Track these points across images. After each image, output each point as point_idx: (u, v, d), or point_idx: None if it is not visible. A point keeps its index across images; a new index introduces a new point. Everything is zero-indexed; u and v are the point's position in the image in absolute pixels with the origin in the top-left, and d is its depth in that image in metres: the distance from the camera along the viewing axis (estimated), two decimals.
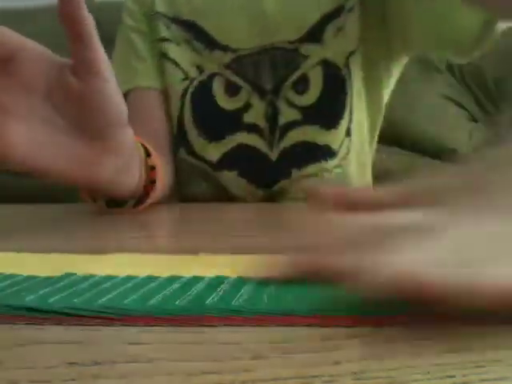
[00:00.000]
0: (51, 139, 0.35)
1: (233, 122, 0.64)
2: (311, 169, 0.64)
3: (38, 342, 0.16)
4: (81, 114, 0.35)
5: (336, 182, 0.66)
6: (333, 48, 0.63)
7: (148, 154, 0.50)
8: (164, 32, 0.67)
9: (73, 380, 0.13)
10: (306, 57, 0.63)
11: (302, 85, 0.63)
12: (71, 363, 0.14)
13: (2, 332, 0.17)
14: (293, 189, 0.65)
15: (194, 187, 0.68)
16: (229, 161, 0.65)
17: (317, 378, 0.13)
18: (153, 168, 0.50)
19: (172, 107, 0.67)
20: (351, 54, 0.64)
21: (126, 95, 0.67)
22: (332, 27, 0.63)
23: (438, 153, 1.70)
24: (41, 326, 0.17)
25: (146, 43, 0.68)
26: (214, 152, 0.65)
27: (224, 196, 0.66)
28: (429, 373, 0.13)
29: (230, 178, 0.65)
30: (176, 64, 0.66)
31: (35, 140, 0.33)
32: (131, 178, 0.45)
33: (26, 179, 1.34)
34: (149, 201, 0.50)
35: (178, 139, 0.67)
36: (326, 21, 0.63)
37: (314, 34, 0.63)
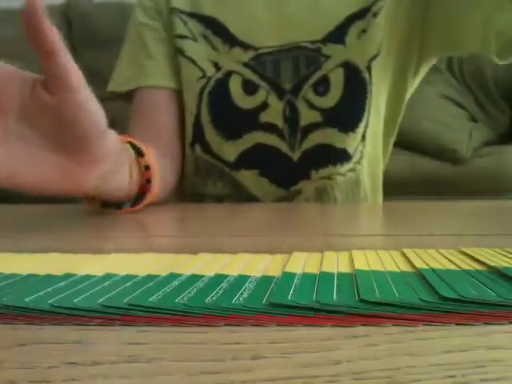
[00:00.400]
0: (31, 156, 0.34)
1: (249, 120, 0.64)
2: (327, 171, 0.65)
3: (38, 341, 0.16)
4: (57, 128, 0.35)
5: (348, 185, 0.66)
6: (355, 50, 0.63)
7: (141, 154, 0.49)
8: (180, 28, 0.66)
9: (73, 380, 0.13)
10: (327, 57, 0.63)
11: (322, 86, 0.63)
12: (71, 363, 0.14)
13: (2, 332, 0.17)
14: (307, 190, 0.65)
15: (208, 187, 0.68)
16: (247, 160, 0.65)
17: (317, 378, 0.13)
18: (147, 168, 0.50)
19: (188, 105, 0.67)
20: (373, 58, 0.64)
21: (132, 93, 0.67)
22: (355, 29, 0.63)
23: (438, 153, 1.71)
24: (41, 326, 0.17)
25: (158, 41, 0.68)
26: (230, 151, 0.65)
27: (240, 196, 0.66)
28: (429, 373, 0.13)
29: (250, 177, 0.65)
30: (193, 62, 0.66)
31: (15, 160, 0.33)
32: (120, 181, 0.45)
33: None
34: (146, 201, 0.50)
35: (195, 137, 0.67)
36: (350, 22, 0.63)
37: (338, 35, 0.63)
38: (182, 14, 0.67)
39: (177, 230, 0.36)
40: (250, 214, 0.54)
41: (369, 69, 0.64)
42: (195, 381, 0.13)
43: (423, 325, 0.17)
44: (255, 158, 0.65)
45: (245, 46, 0.64)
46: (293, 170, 0.64)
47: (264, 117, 0.64)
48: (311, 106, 0.63)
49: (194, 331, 0.17)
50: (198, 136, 0.67)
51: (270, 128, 0.64)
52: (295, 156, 0.64)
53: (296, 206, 0.60)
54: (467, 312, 0.17)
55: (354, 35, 0.63)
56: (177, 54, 0.66)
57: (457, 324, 0.17)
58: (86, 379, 0.13)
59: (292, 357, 0.14)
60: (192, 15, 0.67)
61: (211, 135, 0.66)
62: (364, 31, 0.63)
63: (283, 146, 0.64)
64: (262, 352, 0.15)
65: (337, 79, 0.63)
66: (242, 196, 0.66)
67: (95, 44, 1.81)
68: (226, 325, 0.17)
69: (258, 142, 0.64)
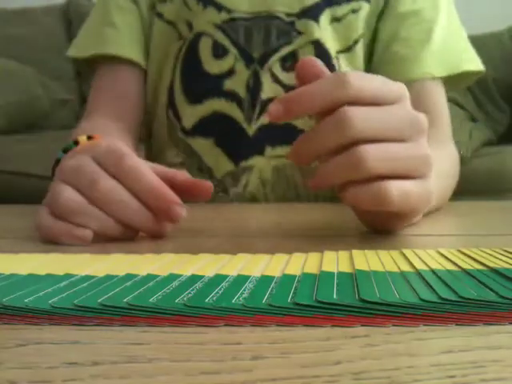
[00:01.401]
0: None
1: (214, 86, 0.63)
2: (285, 150, 0.62)
3: (38, 341, 0.16)
4: None
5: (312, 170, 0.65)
6: (327, 33, 0.63)
7: None
8: None
9: (73, 380, 0.13)
10: (300, 33, 0.62)
11: (290, 62, 0.62)
12: (71, 363, 0.14)
13: (2, 332, 0.17)
14: (262, 167, 0.63)
15: (168, 155, 0.67)
16: (204, 127, 0.64)
17: (317, 378, 0.13)
18: None
19: (165, 71, 0.66)
20: (340, 51, 0.63)
21: (93, 61, 0.66)
22: (330, 13, 0.63)
23: None
24: (41, 326, 0.17)
25: (122, 10, 0.66)
26: (189, 116, 0.64)
27: (192, 165, 0.65)
28: (429, 373, 0.13)
29: (204, 146, 0.64)
30: (172, 24, 0.65)
31: None
32: None
33: (27, 179, 1.34)
34: None
35: (169, 102, 0.66)
36: (327, 3, 0.63)
37: (313, 12, 0.62)
38: None
39: (177, 230, 0.36)
40: (250, 214, 0.54)
41: (337, 59, 0.64)
42: (195, 381, 0.13)
43: (423, 325, 0.17)
44: (212, 126, 0.64)
45: (218, 7, 0.63)
46: (246, 144, 0.63)
47: (228, 84, 0.63)
48: (275, 79, 0.62)
49: (193, 331, 0.17)
50: (171, 100, 0.66)
51: (231, 96, 0.62)
52: (251, 130, 0.62)
53: (295, 207, 0.60)
54: (467, 312, 0.17)
55: (327, 18, 0.63)
56: (154, 19, 0.66)
57: (457, 324, 0.17)
58: (86, 379, 0.13)
59: (292, 357, 0.14)
60: None
61: (179, 99, 0.65)
62: (337, 20, 0.63)
63: (240, 118, 0.62)
64: (262, 352, 0.15)
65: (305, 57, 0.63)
66: (195, 165, 0.65)
67: None
68: (225, 325, 0.17)
69: (216, 109, 0.63)
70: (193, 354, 0.15)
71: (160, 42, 0.66)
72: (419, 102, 0.61)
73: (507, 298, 0.18)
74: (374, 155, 0.30)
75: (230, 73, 0.62)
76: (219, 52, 0.63)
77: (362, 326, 0.17)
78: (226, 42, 0.63)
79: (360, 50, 0.64)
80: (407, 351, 0.15)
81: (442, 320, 0.17)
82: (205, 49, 0.63)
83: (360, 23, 0.63)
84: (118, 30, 0.65)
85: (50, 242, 0.33)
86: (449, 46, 0.63)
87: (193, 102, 0.64)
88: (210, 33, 0.63)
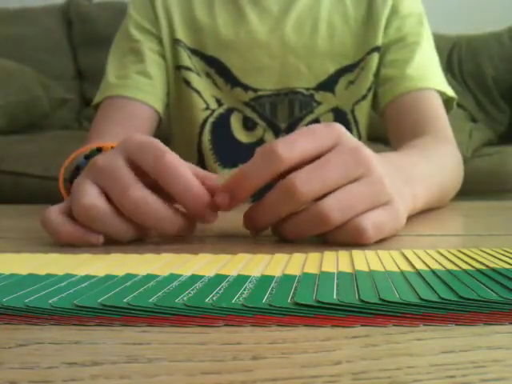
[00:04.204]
0: None
1: (247, 153, 0.66)
2: None
3: (38, 341, 0.16)
4: None
5: None
6: (343, 98, 0.70)
7: None
8: (186, 61, 0.70)
9: (73, 380, 0.13)
10: (319, 103, 0.70)
11: None
12: (71, 363, 0.14)
13: (2, 332, 0.17)
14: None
15: None
16: None
17: (317, 378, 0.13)
18: None
19: (187, 132, 0.72)
20: (357, 102, 0.70)
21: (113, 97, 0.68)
22: (344, 80, 0.70)
23: None
24: (41, 326, 0.17)
25: (155, 63, 0.69)
26: (221, 178, 0.67)
27: None
28: (429, 373, 0.13)
29: None
30: (198, 93, 0.70)
31: None
32: None
33: (26, 179, 1.34)
34: None
35: (198, 162, 0.72)
36: (340, 74, 0.70)
37: (329, 85, 0.70)
38: (186, 48, 0.70)
39: None
40: None
41: (352, 112, 0.71)
42: (195, 381, 0.13)
43: (423, 325, 0.17)
44: None
45: (245, 87, 0.70)
46: None
47: None
48: None
49: (193, 331, 0.17)
50: (199, 160, 0.72)
51: None
52: None
53: None
54: (467, 312, 0.17)
55: (342, 86, 0.70)
56: (181, 83, 0.70)
57: (457, 324, 0.17)
58: (86, 379, 0.13)
59: (292, 357, 0.14)
60: (194, 52, 0.70)
61: (210, 161, 0.71)
62: (352, 83, 0.70)
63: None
64: (262, 352, 0.15)
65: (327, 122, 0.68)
66: None
67: (95, 44, 1.81)
68: (225, 325, 0.17)
69: None
70: (193, 354, 0.15)
71: (184, 104, 0.71)
72: (413, 112, 0.65)
73: (507, 298, 0.18)
74: (334, 206, 0.30)
75: (261, 142, 0.70)
76: (249, 125, 0.70)
77: (362, 325, 0.17)
78: (255, 116, 0.70)
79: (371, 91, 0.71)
80: (407, 351, 0.15)
81: (442, 320, 0.17)
82: (236, 122, 0.71)
83: (371, 73, 0.69)
84: (152, 82, 0.69)
85: (54, 240, 0.34)
86: (428, 65, 0.69)
87: (227, 166, 0.70)
88: (240, 109, 0.71)
